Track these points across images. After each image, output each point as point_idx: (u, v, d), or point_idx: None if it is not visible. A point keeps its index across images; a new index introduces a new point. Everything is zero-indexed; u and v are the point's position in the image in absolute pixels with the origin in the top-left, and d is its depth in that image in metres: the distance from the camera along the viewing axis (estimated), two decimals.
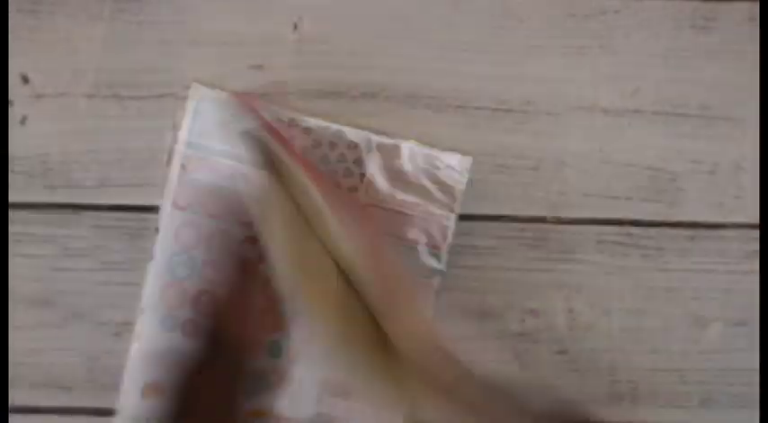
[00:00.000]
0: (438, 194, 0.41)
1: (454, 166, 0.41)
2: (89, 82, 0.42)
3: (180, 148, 0.41)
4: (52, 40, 0.42)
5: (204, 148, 0.41)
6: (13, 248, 0.41)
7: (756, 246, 0.42)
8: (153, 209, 0.41)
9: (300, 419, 0.41)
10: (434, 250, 0.41)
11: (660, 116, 0.42)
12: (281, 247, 0.35)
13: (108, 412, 0.40)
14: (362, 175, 0.41)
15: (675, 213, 0.42)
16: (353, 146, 0.41)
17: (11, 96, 0.41)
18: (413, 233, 0.41)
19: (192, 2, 0.42)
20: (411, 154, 0.41)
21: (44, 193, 0.41)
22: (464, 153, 0.42)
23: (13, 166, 0.41)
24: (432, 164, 0.41)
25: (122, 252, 0.41)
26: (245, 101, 0.36)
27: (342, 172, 0.41)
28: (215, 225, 0.41)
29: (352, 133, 0.41)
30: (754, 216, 0.42)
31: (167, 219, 0.41)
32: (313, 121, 0.41)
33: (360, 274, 0.35)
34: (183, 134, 0.41)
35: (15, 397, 0.40)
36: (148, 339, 0.40)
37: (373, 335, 0.34)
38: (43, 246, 0.41)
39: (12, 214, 0.41)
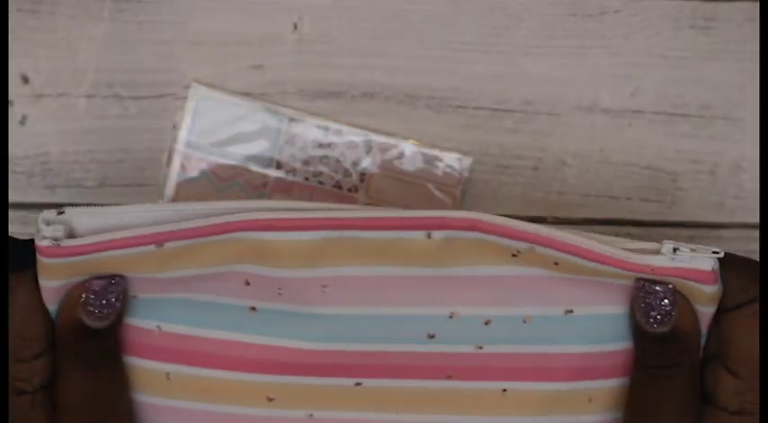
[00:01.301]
0: (438, 194, 0.41)
1: (454, 166, 0.41)
2: (89, 82, 0.42)
3: (180, 147, 0.41)
4: (52, 40, 0.42)
5: (204, 148, 0.41)
6: None
7: (756, 246, 0.42)
8: None
9: None
10: None
11: (660, 116, 0.42)
12: None
13: None
14: (362, 175, 0.41)
15: (675, 213, 0.42)
16: (353, 146, 0.41)
17: (11, 96, 0.41)
18: None
19: (192, 2, 0.42)
20: (411, 154, 0.42)
21: (44, 193, 0.41)
22: (464, 153, 0.42)
23: (13, 166, 0.41)
24: (431, 164, 0.41)
25: None
26: None
27: (342, 172, 0.41)
28: None
29: (352, 133, 0.41)
30: (754, 216, 0.42)
31: None
32: (313, 121, 0.41)
33: None
34: (182, 134, 0.41)
35: None
36: None
37: None
38: None
39: (12, 214, 0.41)
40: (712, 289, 0.31)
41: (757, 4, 0.42)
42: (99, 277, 0.32)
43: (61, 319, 0.32)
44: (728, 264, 0.31)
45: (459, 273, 0.32)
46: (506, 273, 0.32)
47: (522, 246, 0.31)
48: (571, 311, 0.33)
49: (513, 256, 0.31)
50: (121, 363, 0.33)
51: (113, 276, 0.32)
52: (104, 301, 0.32)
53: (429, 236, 0.31)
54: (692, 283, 0.31)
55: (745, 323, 0.31)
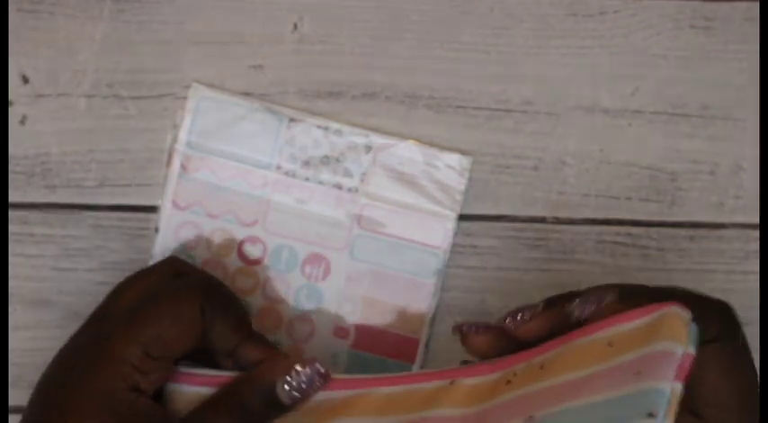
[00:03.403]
0: (438, 194, 0.41)
1: (454, 166, 0.41)
2: (89, 82, 0.42)
3: (180, 147, 0.41)
4: (52, 40, 0.42)
5: (204, 148, 0.41)
6: (13, 248, 0.41)
7: (756, 246, 0.42)
8: (153, 209, 0.41)
9: None
10: (434, 250, 0.41)
11: (660, 116, 0.42)
12: None
13: None
14: (363, 175, 0.41)
15: (675, 213, 0.42)
16: (353, 146, 0.41)
17: (11, 96, 0.41)
18: (413, 233, 0.41)
19: (192, 2, 0.42)
20: (411, 154, 0.41)
21: (44, 193, 0.41)
22: (464, 153, 0.42)
23: (13, 166, 0.41)
24: (431, 164, 0.41)
25: (122, 252, 0.41)
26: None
27: (342, 172, 0.41)
28: (215, 225, 0.41)
29: (352, 133, 0.41)
30: (754, 216, 0.42)
31: (167, 219, 0.41)
32: (313, 121, 0.41)
33: None
34: (182, 134, 0.41)
35: (15, 397, 0.40)
36: None
37: None
38: (43, 246, 0.41)
39: (12, 214, 0.41)
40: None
41: (757, 4, 0.42)
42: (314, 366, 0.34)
43: (254, 376, 0.34)
44: (692, 305, 0.30)
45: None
46: None
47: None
48: None
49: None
50: None
51: (326, 374, 0.34)
52: (305, 388, 0.34)
53: (452, 382, 0.34)
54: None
55: (706, 364, 0.30)
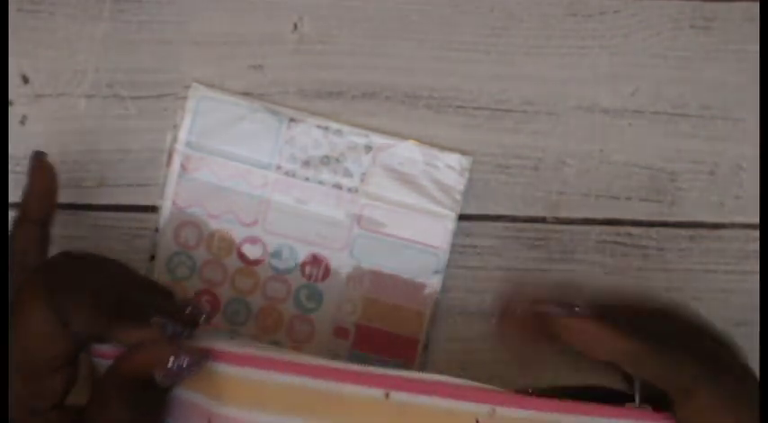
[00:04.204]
0: (438, 194, 0.41)
1: (454, 166, 0.41)
2: (89, 82, 0.42)
3: (180, 147, 0.41)
4: (52, 40, 0.42)
5: (204, 148, 0.41)
6: None
7: (756, 246, 0.42)
8: (153, 209, 0.41)
9: None
10: (434, 250, 0.41)
11: (660, 116, 0.42)
12: None
13: None
14: (363, 175, 0.41)
15: (675, 213, 0.42)
16: (353, 146, 0.41)
17: (11, 96, 0.41)
18: (413, 233, 0.41)
19: (193, 2, 0.42)
20: (411, 154, 0.42)
21: None
22: (464, 153, 0.42)
23: (13, 166, 0.41)
24: (431, 164, 0.41)
25: (122, 252, 0.41)
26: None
27: (342, 172, 0.41)
28: (215, 225, 0.41)
29: (352, 133, 0.41)
30: (754, 216, 0.42)
31: (167, 219, 0.41)
32: (313, 121, 0.41)
33: None
34: (182, 134, 0.41)
35: None
36: None
37: None
38: None
39: (12, 214, 0.41)
40: None
41: (757, 4, 0.43)
42: (193, 352, 0.33)
43: (131, 365, 0.32)
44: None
45: None
46: None
47: (484, 409, 0.31)
48: None
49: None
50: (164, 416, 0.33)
51: (199, 360, 0.33)
52: (185, 373, 0.32)
53: (387, 396, 0.31)
54: None
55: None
